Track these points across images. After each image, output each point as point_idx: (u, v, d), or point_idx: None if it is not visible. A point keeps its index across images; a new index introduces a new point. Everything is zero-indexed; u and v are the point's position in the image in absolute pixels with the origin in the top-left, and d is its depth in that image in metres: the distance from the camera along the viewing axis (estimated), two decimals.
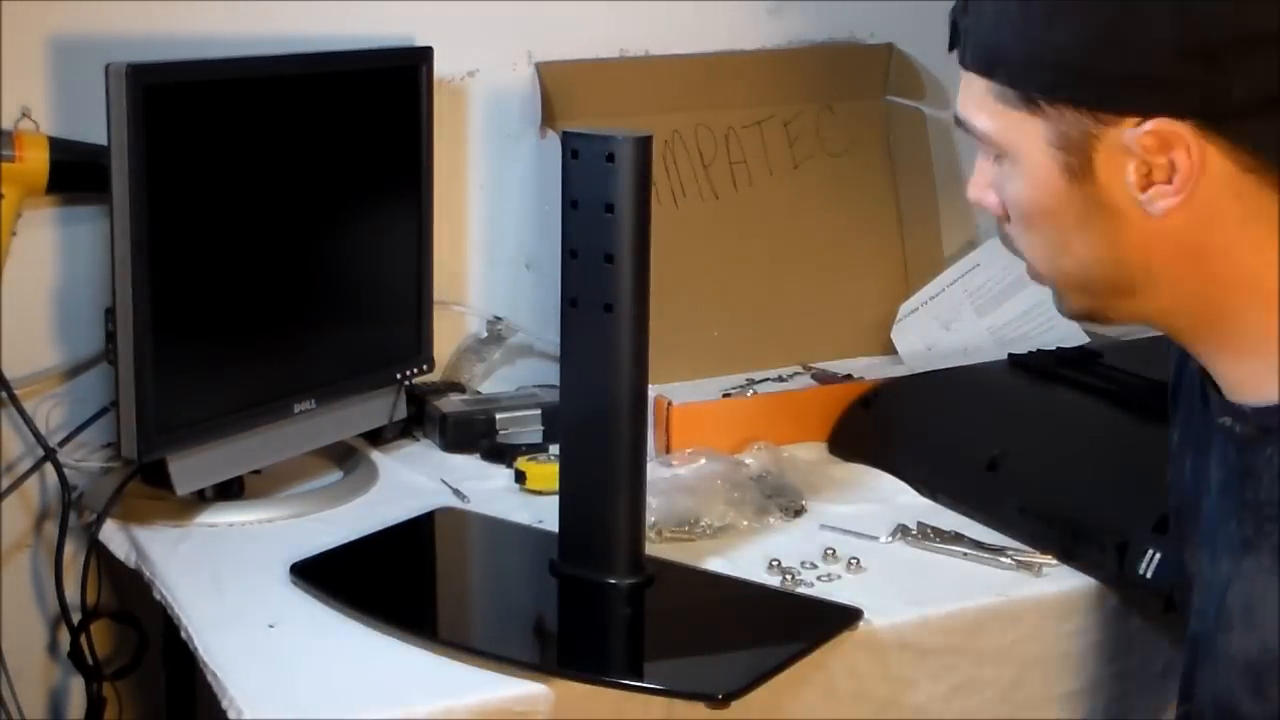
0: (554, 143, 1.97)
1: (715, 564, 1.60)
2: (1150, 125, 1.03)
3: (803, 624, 1.48)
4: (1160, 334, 1.18)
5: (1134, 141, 1.03)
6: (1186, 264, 1.07)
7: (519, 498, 1.80)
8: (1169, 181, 1.04)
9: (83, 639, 1.80)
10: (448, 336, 2.05)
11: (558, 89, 2.04)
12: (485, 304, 2.09)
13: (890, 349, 2.20)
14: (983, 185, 1.16)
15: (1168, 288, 1.09)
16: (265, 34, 1.89)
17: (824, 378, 2.10)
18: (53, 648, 1.91)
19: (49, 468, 1.78)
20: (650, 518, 1.58)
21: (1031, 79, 1.07)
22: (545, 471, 1.78)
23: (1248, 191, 1.04)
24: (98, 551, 1.73)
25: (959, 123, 1.15)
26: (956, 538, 1.64)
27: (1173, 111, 1.02)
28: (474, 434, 1.93)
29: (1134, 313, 1.12)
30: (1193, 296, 1.08)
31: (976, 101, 1.12)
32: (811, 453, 1.90)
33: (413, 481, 1.85)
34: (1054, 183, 1.08)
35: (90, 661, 1.81)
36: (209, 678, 1.42)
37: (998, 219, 1.16)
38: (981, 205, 1.17)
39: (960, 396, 1.92)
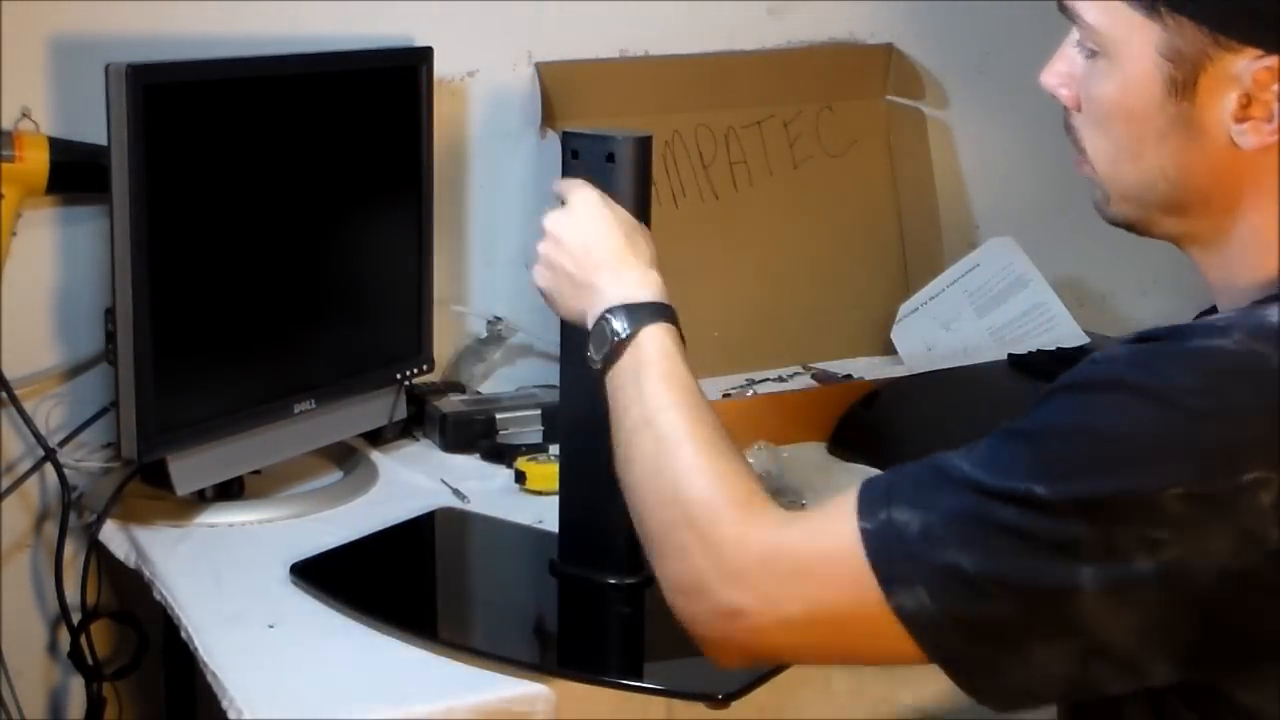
0: (554, 143, 1.97)
1: None
2: (1271, 61, 1.03)
3: None
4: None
5: (1247, 72, 1.04)
6: (1247, 200, 1.07)
7: (519, 498, 1.80)
8: (1269, 119, 1.04)
9: (83, 639, 1.80)
10: (448, 336, 2.05)
11: (558, 89, 2.04)
12: (485, 304, 2.09)
13: (890, 349, 2.20)
14: (1063, 74, 1.14)
15: (1217, 218, 1.09)
16: (265, 34, 1.89)
17: (824, 378, 2.10)
18: (53, 648, 1.91)
19: (49, 468, 1.78)
20: None
21: None
22: (545, 471, 1.78)
23: None
24: (98, 551, 1.73)
25: (1062, 8, 1.13)
26: None
27: None
28: (474, 434, 1.93)
29: (1174, 231, 1.12)
30: (1232, 230, 1.09)
31: (1089, 34, 1.11)
32: (811, 453, 1.90)
33: (413, 481, 1.85)
34: (1151, 91, 1.07)
35: (90, 661, 1.81)
36: (209, 678, 1.42)
37: (1066, 109, 1.16)
38: (1052, 92, 1.16)
39: (960, 396, 1.92)
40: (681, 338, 1.27)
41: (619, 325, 1.27)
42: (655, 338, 1.25)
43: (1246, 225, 1.08)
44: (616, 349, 1.26)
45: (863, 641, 1.04)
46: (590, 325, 1.31)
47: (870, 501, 1.04)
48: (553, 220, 1.37)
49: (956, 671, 1.01)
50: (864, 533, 1.02)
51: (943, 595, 0.99)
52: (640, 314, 1.27)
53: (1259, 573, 0.95)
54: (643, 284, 1.30)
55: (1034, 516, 0.97)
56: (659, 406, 1.20)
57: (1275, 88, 1.03)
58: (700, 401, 1.21)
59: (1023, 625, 0.98)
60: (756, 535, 1.09)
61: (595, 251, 1.34)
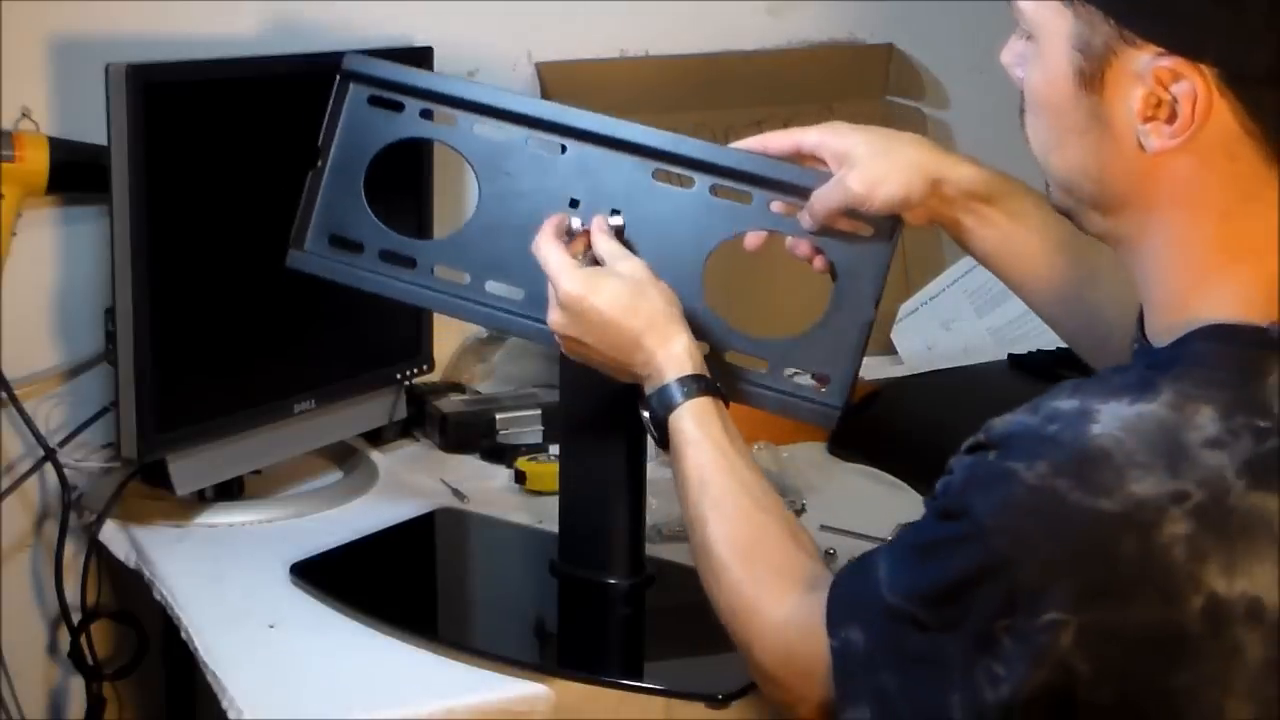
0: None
1: None
2: (1169, 61, 1.01)
3: None
4: None
5: (1148, 70, 1.02)
6: (1165, 207, 1.06)
7: (519, 498, 1.80)
8: (1170, 121, 1.02)
9: (83, 639, 1.80)
10: (448, 336, 2.05)
11: (558, 89, 2.04)
12: None
13: (890, 349, 2.20)
14: (1017, 54, 1.16)
15: (1134, 223, 1.08)
16: (265, 34, 1.89)
17: (824, 378, 2.10)
18: (53, 648, 1.91)
19: (49, 468, 1.78)
20: (650, 518, 1.58)
21: None
22: (545, 471, 1.78)
23: (1242, 155, 1.03)
24: (98, 551, 1.73)
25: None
26: None
27: (1194, 54, 1.01)
28: (474, 434, 1.93)
29: (1101, 229, 1.11)
30: (1157, 239, 1.07)
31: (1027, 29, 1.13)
32: (811, 453, 1.90)
33: (413, 481, 1.85)
34: (1065, 82, 1.07)
35: (90, 661, 1.81)
36: (209, 678, 1.43)
37: (1021, 96, 1.17)
38: (1008, 70, 1.18)
39: (960, 396, 1.92)
40: (717, 391, 1.29)
41: (651, 416, 1.30)
42: (680, 427, 1.27)
43: (1159, 238, 1.07)
44: (663, 437, 1.29)
45: None
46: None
47: (835, 615, 1.09)
48: (559, 323, 1.34)
49: None
50: (832, 650, 1.08)
51: (880, 715, 1.04)
52: (668, 397, 1.29)
53: (1079, 699, 0.97)
54: (666, 360, 1.30)
55: (920, 637, 1.01)
56: (692, 508, 1.24)
57: (1174, 88, 1.02)
58: (726, 488, 1.23)
59: None
60: (773, 644, 1.15)
61: (617, 338, 1.32)
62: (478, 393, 2.04)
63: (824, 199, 1.36)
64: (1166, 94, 1.02)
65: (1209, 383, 0.99)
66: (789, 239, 1.41)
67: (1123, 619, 0.95)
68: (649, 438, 1.32)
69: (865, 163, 1.34)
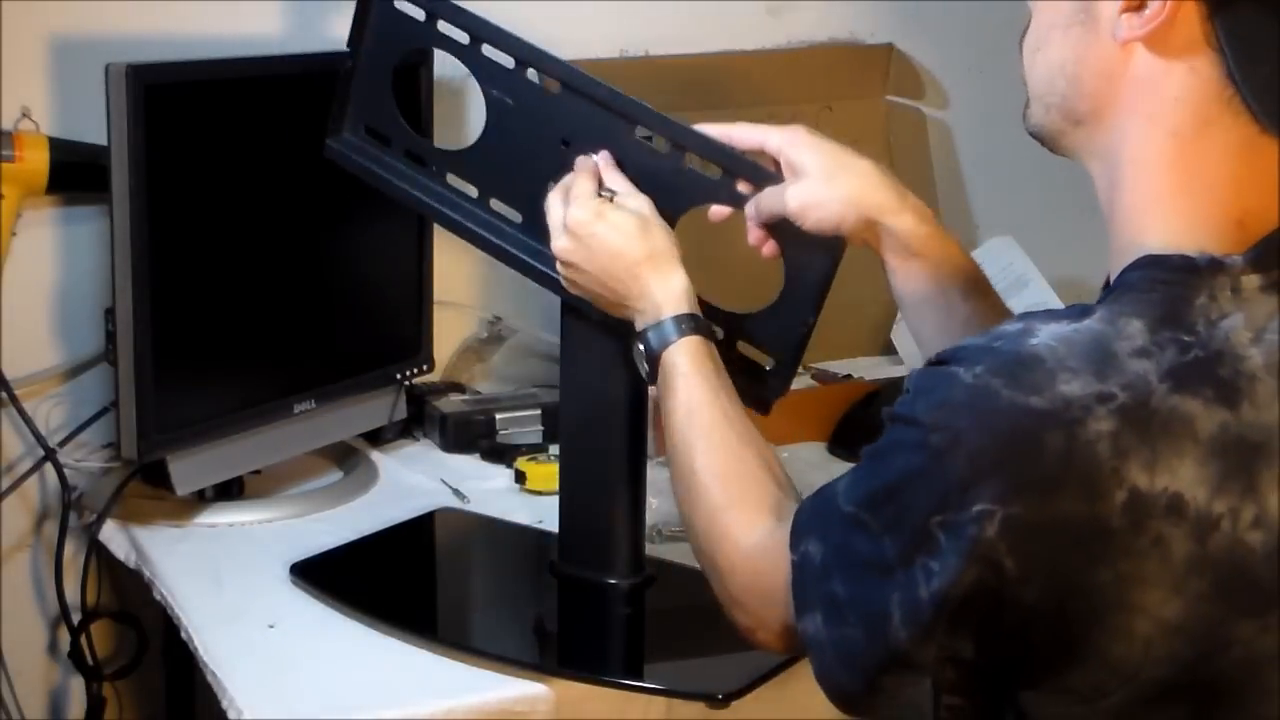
0: None
1: None
2: None
3: None
4: None
5: None
6: (1125, 113, 1.08)
7: (519, 498, 1.80)
8: (1142, 10, 1.05)
9: (83, 639, 1.80)
10: (448, 336, 2.05)
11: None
12: (485, 304, 2.09)
13: (890, 349, 2.20)
14: None
15: (1104, 131, 1.10)
16: (265, 34, 1.89)
17: (824, 378, 2.10)
18: (53, 648, 1.91)
19: (49, 468, 1.78)
20: (650, 518, 1.58)
21: None
22: (545, 471, 1.78)
23: (1201, 71, 1.04)
24: (98, 551, 1.73)
25: None
26: None
27: None
28: (474, 434, 1.93)
29: (1074, 144, 1.13)
30: (1118, 153, 1.09)
31: None
32: (811, 453, 1.90)
33: (413, 481, 1.85)
34: None
35: (90, 661, 1.81)
36: (209, 678, 1.43)
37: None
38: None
39: None
40: (710, 334, 1.35)
41: (646, 349, 1.35)
42: (674, 361, 1.32)
43: (1120, 153, 1.09)
44: (653, 370, 1.34)
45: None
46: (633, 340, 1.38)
47: (796, 533, 1.12)
48: (563, 249, 1.39)
49: (829, 691, 1.10)
50: (792, 565, 1.11)
51: (829, 621, 1.08)
52: (664, 332, 1.34)
53: (1006, 597, 1.00)
54: (666, 296, 1.35)
55: (868, 541, 1.05)
56: (679, 437, 1.29)
57: None
58: (709, 423, 1.28)
59: (869, 652, 1.06)
60: (742, 567, 1.20)
61: (618, 267, 1.37)
62: (478, 393, 2.04)
63: (764, 203, 1.40)
64: None
65: (1139, 302, 1.03)
66: (749, 225, 1.42)
67: (1048, 513, 0.98)
68: (640, 370, 1.36)
69: (809, 183, 1.37)
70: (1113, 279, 1.09)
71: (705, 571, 1.24)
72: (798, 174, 1.37)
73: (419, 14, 1.54)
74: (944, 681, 1.08)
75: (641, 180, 1.44)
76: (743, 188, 1.42)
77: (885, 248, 1.38)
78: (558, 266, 1.42)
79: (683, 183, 1.44)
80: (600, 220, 1.37)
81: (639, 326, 1.36)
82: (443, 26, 1.54)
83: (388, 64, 1.56)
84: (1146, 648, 1.00)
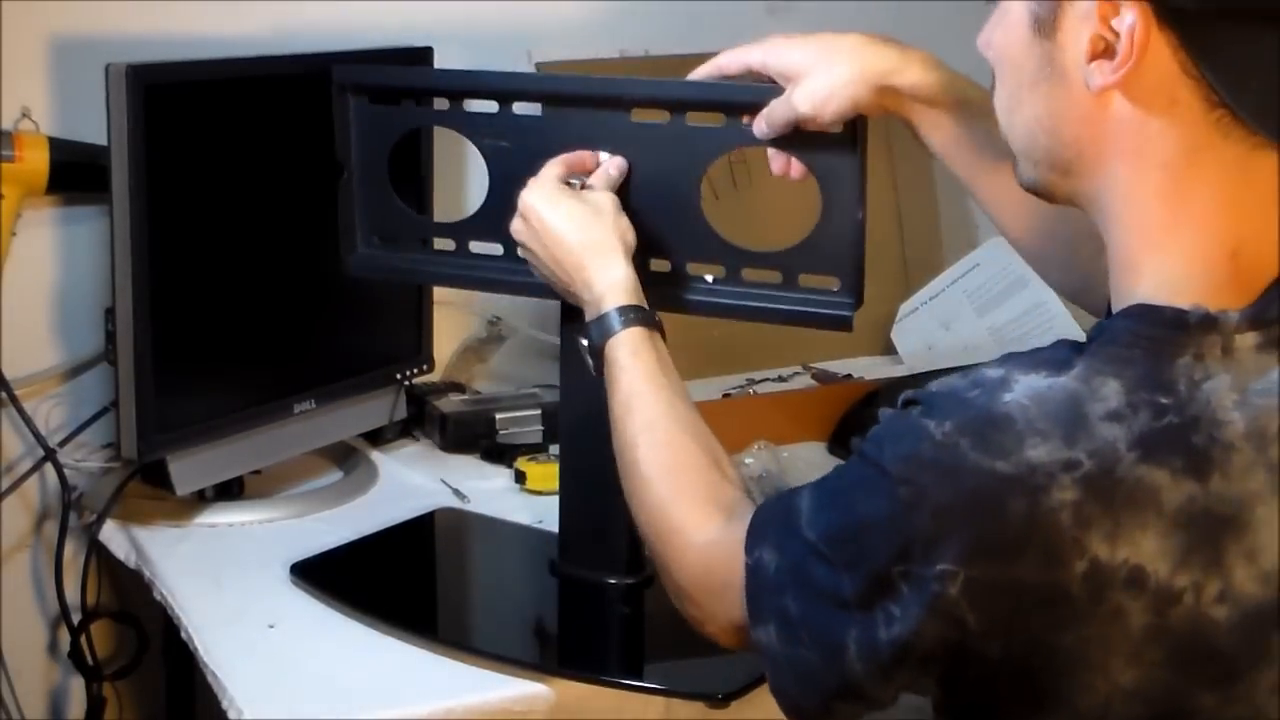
0: None
1: None
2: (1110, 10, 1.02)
3: None
4: None
5: (1093, 10, 1.03)
6: (1112, 157, 1.06)
7: (519, 498, 1.80)
8: (1113, 58, 1.02)
9: (83, 639, 1.80)
10: (448, 336, 2.05)
11: None
12: (485, 304, 2.09)
13: (890, 349, 2.20)
14: (984, 39, 1.16)
15: (1093, 178, 1.08)
16: (265, 34, 1.89)
17: (824, 378, 2.10)
18: (53, 648, 1.91)
19: (49, 468, 1.78)
20: None
21: None
22: (545, 471, 1.78)
23: (1182, 99, 1.02)
24: (98, 551, 1.73)
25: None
26: None
27: None
28: (474, 434, 1.93)
29: (1067, 192, 1.11)
30: (1110, 195, 1.07)
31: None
32: (811, 453, 1.90)
33: (413, 481, 1.85)
34: (1022, 30, 1.08)
35: (90, 661, 1.81)
36: (209, 678, 1.43)
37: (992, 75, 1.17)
38: (982, 54, 1.16)
39: None
40: (654, 325, 1.34)
41: (589, 343, 1.35)
42: (615, 357, 1.32)
43: (1111, 195, 1.07)
44: (597, 363, 1.34)
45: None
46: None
47: (753, 536, 1.13)
48: (516, 229, 1.41)
49: (791, 713, 1.11)
50: (746, 568, 1.12)
51: (782, 636, 1.09)
52: (605, 325, 1.34)
53: (970, 650, 1.01)
54: (606, 287, 1.35)
55: (827, 572, 1.05)
56: (621, 429, 1.29)
57: (1115, 23, 1.01)
58: (653, 416, 1.28)
59: (823, 676, 1.06)
60: (690, 562, 1.20)
61: (561, 255, 1.38)
62: (478, 393, 2.04)
63: (772, 117, 1.38)
64: (1110, 33, 1.02)
65: (1119, 360, 1.02)
66: (769, 153, 1.42)
67: (1009, 576, 0.98)
68: (587, 364, 1.36)
69: (809, 80, 1.36)
70: (1112, 308, 1.08)
71: (655, 562, 1.25)
72: (794, 77, 1.36)
73: (398, 100, 1.57)
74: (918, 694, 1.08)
75: (655, 158, 1.44)
76: (749, 120, 1.41)
77: (904, 108, 1.37)
78: (519, 249, 1.43)
79: (695, 142, 1.45)
80: (551, 206, 1.38)
81: (586, 318, 1.36)
82: (421, 102, 1.57)
83: (381, 164, 1.58)
84: (1110, 706, 1.01)
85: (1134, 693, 1.00)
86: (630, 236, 1.39)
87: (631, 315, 1.33)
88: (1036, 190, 1.14)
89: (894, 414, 1.06)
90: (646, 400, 1.28)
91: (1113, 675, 1.00)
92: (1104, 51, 1.03)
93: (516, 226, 1.41)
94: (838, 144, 1.39)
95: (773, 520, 1.12)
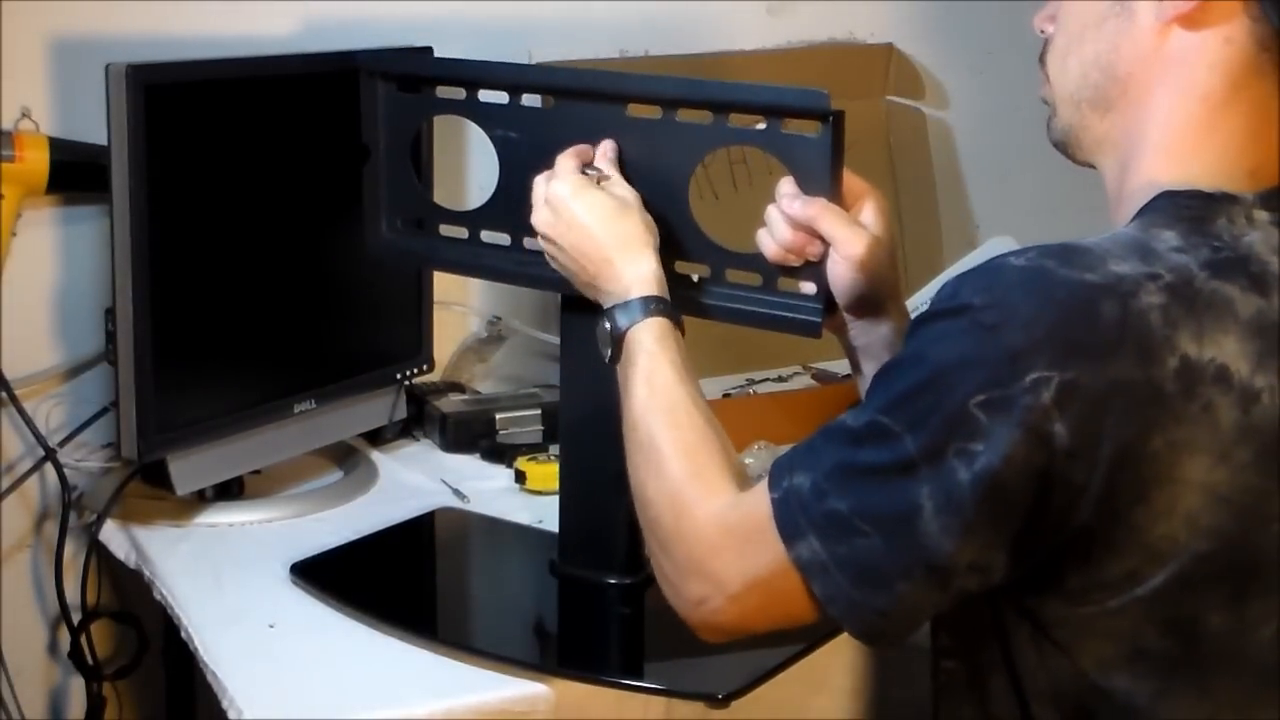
0: None
1: None
2: None
3: None
4: None
5: None
6: (1157, 89, 1.16)
7: (519, 498, 1.80)
8: None
9: (83, 639, 1.80)
10: (448, 336, 2.05)
11: None
12: (485, 304, 2.09)
13: None
14: (1047, 14, 1.25)
15: (1133, 112, 1.17)
16: (265, 34, 1.89)
17: (824, 378, 2.10)
18: (53, 648, 1.91)
19: (49, 468, 1.78)
20: None
21: None
22: (545, 471, 1.78)
23: (1238, 40, 1.13)
24: (98, 551, 1.73)
25: None
26: None
27: None
28: (474, 434, 1.93)
29: (1098, 135, 1.20)
30: (1145, 124, 1.17)
31: None
32: None
33: (413, 481, 1.85)
34: None
35: (90, 661, 1.81)
36: (209, 677, 1.43)
37: (1045, 43, 1.26)
38: (1039, 29, 1.26)
39: None
40: (677, 321, 1.34)
41: (611, 326, 1.34)
42: (639, 339, 1.32)
43: (1147, 123, 1.16)
44: (615, 349, 1.33)
45: (793, 596, 1.12)
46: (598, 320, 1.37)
47: (777, 473, 1.14)
48: (541, 220, 1.41)
49: (845, 618, 1.10)
50: (774, 502, 1.12)
51: (830, 541, 1.09)
52: (630, 312, 1.33)
53: (1054, 480, 1.03)
54: (635, 278, 1.35)
55: (882, 447, 1.07)
56: (641, 411, 1.28)
57: None
58: (675, 400, 1.28)
59: (889, 558, 1.07)
60: (707, 529, 1.18)
61: (589, 247, 1.37)
62: (478, 393, 2.04)
63: (840, 239, 1.34)
64: None
65: (1167, 217, 1.12)
66: (768, 245, 1.39)
67: (1104, 377, 1.03)
68: (602, 351, 1.35)
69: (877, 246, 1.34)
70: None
71: (657, 544, 1.23)
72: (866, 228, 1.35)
73: (419, 88, 1.59)
74: (983, 564, 1.07)
75: (648, 153, 1.44)
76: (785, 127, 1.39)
77: (859, 330, 1.38)
78: (539, 240, 1.42)
79: (685, 139, 1.44)
80: (578, 197, 1.38)
81: (606, 306, 1.36)
82: (441, 91, 1.59)
83: (405, 149, 1.61)
84: (1190, 524, 1.05)
85: (1222, 498, 1.05)
86: (655, 232, 1.39)
87: (658, 305, 1.33)
88: (1068, 139, 1.22)
89: (950, 280, 1.09)
90: (670, 383, 1.28)
91: (1199, 480, 1.04)
92: None
93: (542, 218, 1.40)
94: (815, 147, 1.38)
95: (794, 454, 1.14)
